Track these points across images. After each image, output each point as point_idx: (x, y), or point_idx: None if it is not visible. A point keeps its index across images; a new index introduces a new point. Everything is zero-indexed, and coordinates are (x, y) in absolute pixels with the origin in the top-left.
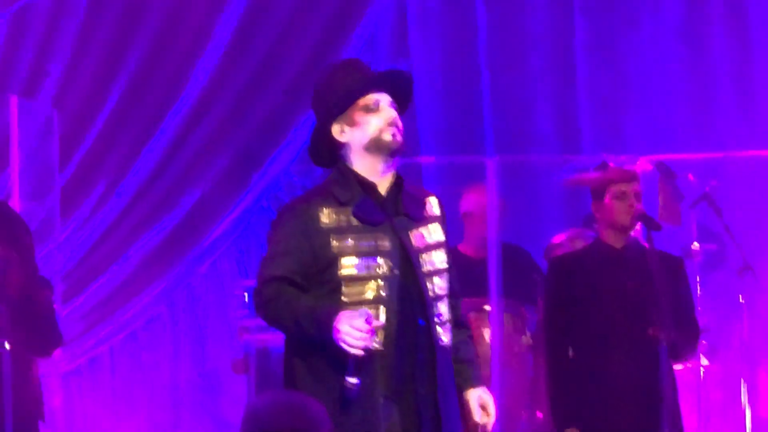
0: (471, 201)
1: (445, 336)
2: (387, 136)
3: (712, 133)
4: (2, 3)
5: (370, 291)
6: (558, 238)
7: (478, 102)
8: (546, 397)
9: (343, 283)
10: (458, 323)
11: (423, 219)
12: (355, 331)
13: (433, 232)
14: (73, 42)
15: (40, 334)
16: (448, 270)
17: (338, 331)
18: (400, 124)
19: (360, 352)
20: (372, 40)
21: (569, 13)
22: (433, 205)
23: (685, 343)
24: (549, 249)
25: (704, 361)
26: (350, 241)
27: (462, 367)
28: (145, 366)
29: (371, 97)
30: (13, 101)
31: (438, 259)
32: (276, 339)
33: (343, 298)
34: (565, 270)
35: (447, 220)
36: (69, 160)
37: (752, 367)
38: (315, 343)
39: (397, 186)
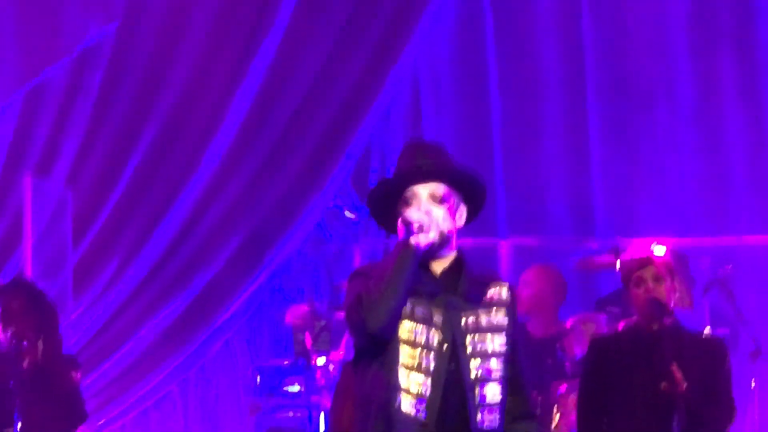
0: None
1: (488, 419)
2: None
3: (725, 218)
4: (17, 80)
5: (423, 358)
6: (569, 322)
7: (491, 183)
8: None
9: (401, 344)
10: (525, 414)
11: (482, 302)
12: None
13: (494, 317)
14: (87, 120)
15: (62, 410)
16: (507, 355)
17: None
18: (425, 218)
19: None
20: (386, 119)
21: (583, 96)
22: (501, 290)
23: (714, 420)
24: (560, 332)
25: None
26: (408, 305)
27: None
28: None
29: (410, 190)
30: (27, 180)
31: (493, 342)
32: (287, 418)
33: (401, 358)
34: (604, 351)
35: None
36: (82, 237)
37: None
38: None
39: (456, 268)
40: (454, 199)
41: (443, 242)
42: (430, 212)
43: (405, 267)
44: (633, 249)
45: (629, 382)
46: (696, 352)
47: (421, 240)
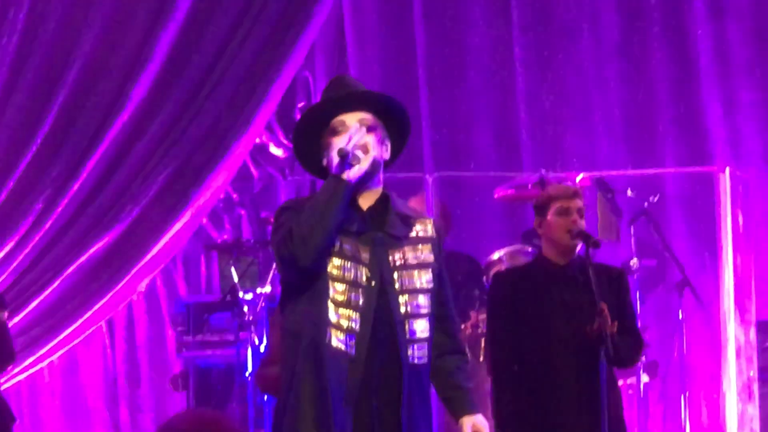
0: None
1: (417, 354)
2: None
3: (650, 150)
4: None
5: (352, 295)
6: (497, 254)
7: (417, 118)
8: (492, 411)
9: (329, 280)
10: (454, 349)
11: (407, 239)
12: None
13: (420, 252)
14: (11, 57)
15: None
16: (434, 291)
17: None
18: (361, 140)
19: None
20: (311, 56)
21: (508, 29)
22: (427, 226)
23: (628, 350)
24: (488, 265)
25: (645, 378)
26: (336, 242)
27: (456, 393)
28: (83, 383)
29: (338, 120)
30: None
31: (420, 279)
32: (214, 356)
33: (330, 294)
34: (509, 285)
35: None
36: (7, 176)
37: (692, 383)
38: (331, 209)
39: (382, 204)
40: (381, 130)
41: (374, 170)
42: (363, 142)
43: (337, 201)
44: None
45: (542, 319)
46: (603, 285)
47: (354, 173)
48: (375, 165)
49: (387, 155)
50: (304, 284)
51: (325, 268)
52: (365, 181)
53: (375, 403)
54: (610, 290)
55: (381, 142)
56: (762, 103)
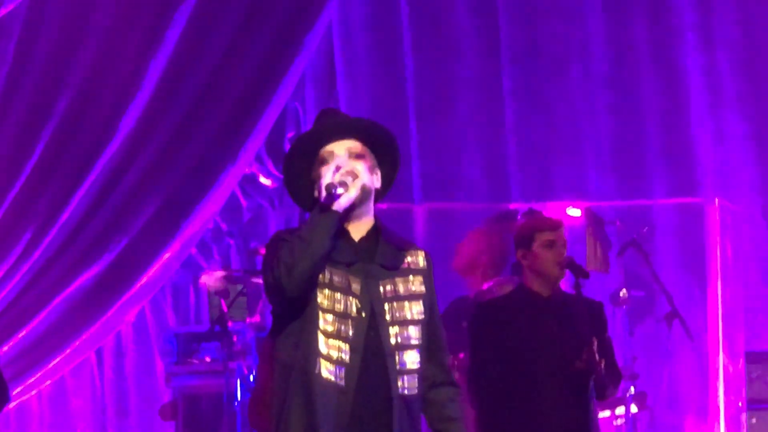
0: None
1: (407, 386)
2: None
3: (640, 181)
4: None
5: (342, 326)
6: (486, 285)
7: (406, 149)
8: None
9: (319, 311)
10: (445, 381)
11: (399, 270)
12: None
13: (411, 284)
14: (0, 88)
15: None
16: (425, 322)
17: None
18: (348, 167)
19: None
20: (301, 86)
21: (497, 59)
22: (418, 257)
23: (609, 383)
24: (478, 295)
25: (633, 408)
26: (327, 273)
27: (449, 425)
28: (72, 413)
29: (326, 150)
30: None
31: (411, 310)
32: (203, 385)
33: (320, 325)
34: (492, 315)
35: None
36: None
37: (680, 413)
38: (316, 240)
39: (373, 235)
40: (370, 158)
41: (365, 197)
42: (350, 169)
43: (323, 231)
44: (547, 213)
45: (527, 350)
46: (584, 317)
47: (342, 202)
48: (365, 192)
49: (378, 184)
50: (294, 314)
51: (315, 298)
52: (355, 208)
53: None
54: (591, 324)
55: (371, 170)
56: (751, 135)
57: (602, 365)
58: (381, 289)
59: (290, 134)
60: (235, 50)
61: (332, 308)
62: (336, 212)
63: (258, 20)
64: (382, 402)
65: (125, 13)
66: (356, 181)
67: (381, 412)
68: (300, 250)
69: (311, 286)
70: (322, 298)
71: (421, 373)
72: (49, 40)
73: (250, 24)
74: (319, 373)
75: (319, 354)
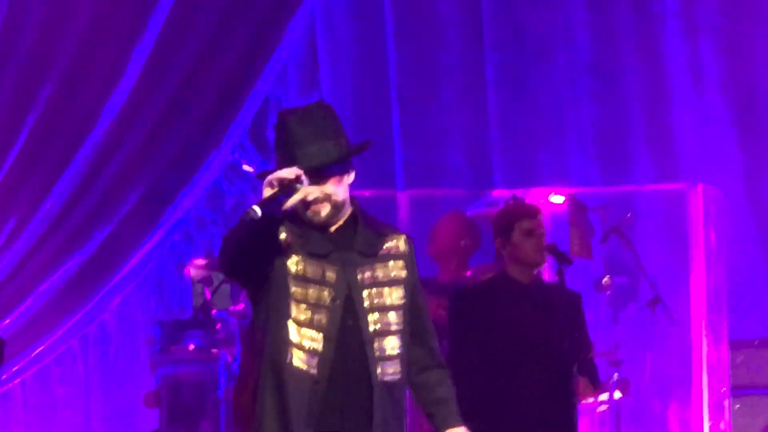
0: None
1: (389, 371)
2: (308, 216)
3: (623, 167)
4: None
5: (315, 315)
6: (469, 272)
7: (389, 136)
8: None
9: (291, 301)
10: (434, 363)
11: (378, 255)
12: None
13: (391, 269)
14: None
15: None
16: (406, 307)
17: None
18: (322, 196)
19: (284, 177)
20: (283, 73)
21: (480, 46)
22: (399, 242)
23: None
24: (456, 281)
25: (617, 394)
26: (300, 265)
27: (440, 407)
28: (57, 400)
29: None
30: None
31: (391, 296)
32: (187, 372)
33: (292, 314)
34: (472, 300)
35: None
36: None
37: (664, 400)
38: (254, 230)
39: (351, 223)
40: (343, 174)
41: (338, 209)
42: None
43: (245, 230)
44: (530, 199)
45: (507, 336)
46: (561, 304)
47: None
48: (344, 205)
49: (351, 179)
50: (268, 304)
51: (288, 289)
52: (332, 216)
53: (340, 423)
54: (568, 313)
55: (342, 182)
56: (734, 121)
57: (589, 354)
58: (359, 276)
59: (272, 121)
60: (218, 37)
61: (305, 298)
62: (253, 219)
63: (241, 7)
64: (362, 389)
65: (108, 1)
66: (329, 202)
67: (360, 400)
68: (225, 238)
69: (249, 272)
70: (296, 288)
71: (404, 358)
72: (31, 28)
73: (233, 11)
74: (291, 362)
75: (290, 343)
